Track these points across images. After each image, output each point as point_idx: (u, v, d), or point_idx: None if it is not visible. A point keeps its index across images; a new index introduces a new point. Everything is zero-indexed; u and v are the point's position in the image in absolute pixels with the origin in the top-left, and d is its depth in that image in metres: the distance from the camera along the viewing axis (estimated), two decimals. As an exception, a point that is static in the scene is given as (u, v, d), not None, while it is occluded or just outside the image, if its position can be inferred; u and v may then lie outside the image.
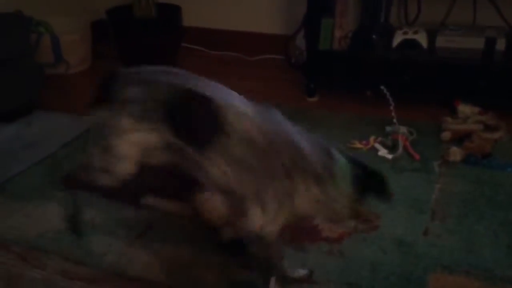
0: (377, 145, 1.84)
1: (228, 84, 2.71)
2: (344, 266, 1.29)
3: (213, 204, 1.28)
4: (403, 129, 1.86)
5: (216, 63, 2.81)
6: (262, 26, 2.81)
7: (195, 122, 1.14)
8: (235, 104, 1.16)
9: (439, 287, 1.23)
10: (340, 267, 1.28)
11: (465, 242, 1.37)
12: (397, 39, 2.14)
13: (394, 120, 1.89)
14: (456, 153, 1.72)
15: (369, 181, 1.13)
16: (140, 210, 1.52)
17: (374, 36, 2.16)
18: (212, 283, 1.24)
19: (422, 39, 2.13)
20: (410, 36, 2.13)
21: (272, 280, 1.17)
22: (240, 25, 2.85)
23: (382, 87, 1.98)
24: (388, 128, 1.90)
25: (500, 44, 2.04)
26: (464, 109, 1.90)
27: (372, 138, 1.86)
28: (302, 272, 1.25)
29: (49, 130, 2.03)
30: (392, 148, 1.81)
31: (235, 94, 1.22)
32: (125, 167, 1.21)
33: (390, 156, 1.78)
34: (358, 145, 1.85)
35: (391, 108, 1.92)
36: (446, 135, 1.84)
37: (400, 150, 1.79)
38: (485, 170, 1.68)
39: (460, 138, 1.79)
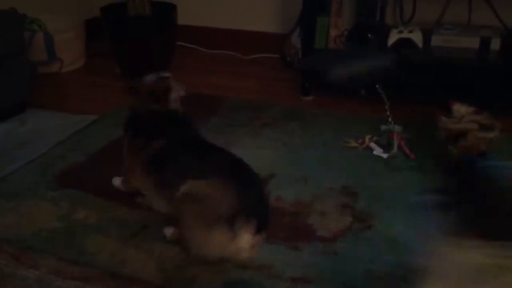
0: (372, 144, 1.83)
1: (223, 83, 2.72)
2: (339, 265, 1.28)
3: None
4: (398, 128, 1.86)
5: (212, 61, 2.81)
6: (257, 25, 2.80)
7: None
8: None
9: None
10: (334, 267, 1.28)
11: (459, 241, 1.37)
12: (392, 38, 2.15)
13: (389, 119, 1.89)
14: (451, 153, 1.72)
15: None
16: (134, 209, 1.51)
17: (369, 35, 2.16)
18: (207, 283, 1.23)
19: (417, 38, 2.13)
20: (405, 35, 2.13)
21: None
22: (236, 23, 2.85)
23: (377, 86, 1.98)
24: (383, 127, 1.90)
25: (495, 44, 2.05)
26: (459, 108, 1.89)
27: (367, 137, 1.86)
28: None
29: (42, 129, 2.02)
30: (387, 147, 1.81)
31: None
32: None
33: (385, 155, 1.78)
34: (353, 144, 1.85)
35: (386, 107, 1.92)
36: (441, 134, 1.84)
37: (395, 149, 1.79)
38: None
39: (455, 137, 1.79)
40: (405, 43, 2.13)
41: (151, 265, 1.29)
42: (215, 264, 1.25)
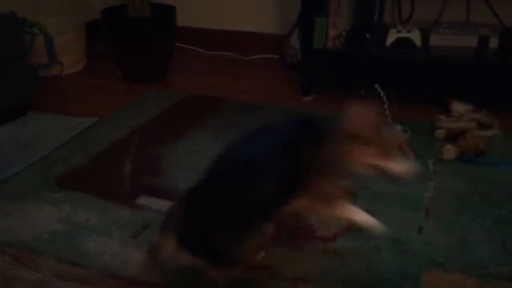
0: (372, 144, 1.84)
1: (222, 84, 2.72)
2: (339, 264, 1.29)
3: None
4: (398, 128, 1.87)
5: (211, 63, 2.81)
6: (256, 26, 2.81)
7: None
8: None
9: (433, 284, 1.24)
10: (335, 266, 1.28)
11: (459, 239, 1.37)
12: (391, 37, 2.15)
13: (389, 119, 1.90)
14: (450, 151, 1.73)
15: None
16: (135, 210, 1.52)
17: (368, 35, 2.17)
18: (208, 283, 1.24)
19: (415, 37, 2.14)
20: (403, 34, 2.13)
21: None
22: (235, 24, 2.85)
23: (376, 86, 1.99)
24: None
25: (493, 42, 2.05)
26: (458, 107, 1.90)
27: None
28: None
29: (43, 132, 2.02)
30: (386, 147, 1.81)
31: None
32: None
33: (384, 155, 1.78)
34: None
35: (385, 106, 1.93)
36: (440, 133, 1.84)
37: (395, 148, 1.79)
38: (479, 168, 1.69)
39: (454, 136, 1.80)
40: (403, 42, 2.13)
41: (152, 265, 1.30)
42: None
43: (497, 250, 1.33)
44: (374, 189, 1.60)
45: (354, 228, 1.38)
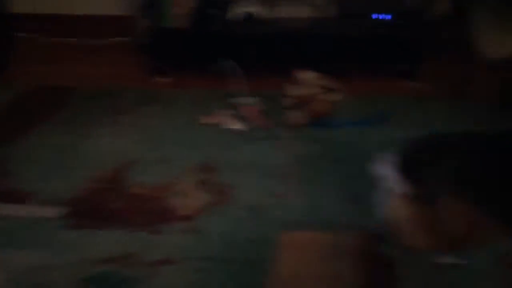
0: (227, 119, 1.87)
1: (73, 71, 2.55)
2: (199, 242, 1.31)
3: None
4: (251, 100, 1.93)
5: (59, 51, 2.63)
6: (104, 8, 2.68)
7: None
8: None
9: (288, 242, 1.30)
10: (195, 244, 1.30)
11: (313, 199, 1.47)
12: (236, 12, 2.18)
13: (243, 92, 1.94)
14: (299, 117, 1.82)
15: None
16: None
17: (212, 11, 2.17)
18: (64, 283, 1.18)
19: (259, 10, 2.19)
20: (248, 8, 2.17)
21: None
22: (81, 8, 2.69)
23: (226, 61, 2.02)
24: (236, 100, 1.95)
25: (332, 11, 2.18)
26: (304, 75, 2.00)
27: (222, 112, 1.89)
28: None
29: None
30: (242, 120, 1.86)
31: None
32: None
33: (240, 128, 1.83)
34: (208, 120, 1.87)
35: (239, 80, 1.97)
36: (288, 101, 1.93)
37: (250, 120, 1.85)
38: (327, 130, 1.81)
39: (302, 103, 1.89)
40: (247, 17, 2.17)
41: (1, 275, 1.20)
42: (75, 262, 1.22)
43: (344, 205, 1.45)
44: (233, 163, 1.64)
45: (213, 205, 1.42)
